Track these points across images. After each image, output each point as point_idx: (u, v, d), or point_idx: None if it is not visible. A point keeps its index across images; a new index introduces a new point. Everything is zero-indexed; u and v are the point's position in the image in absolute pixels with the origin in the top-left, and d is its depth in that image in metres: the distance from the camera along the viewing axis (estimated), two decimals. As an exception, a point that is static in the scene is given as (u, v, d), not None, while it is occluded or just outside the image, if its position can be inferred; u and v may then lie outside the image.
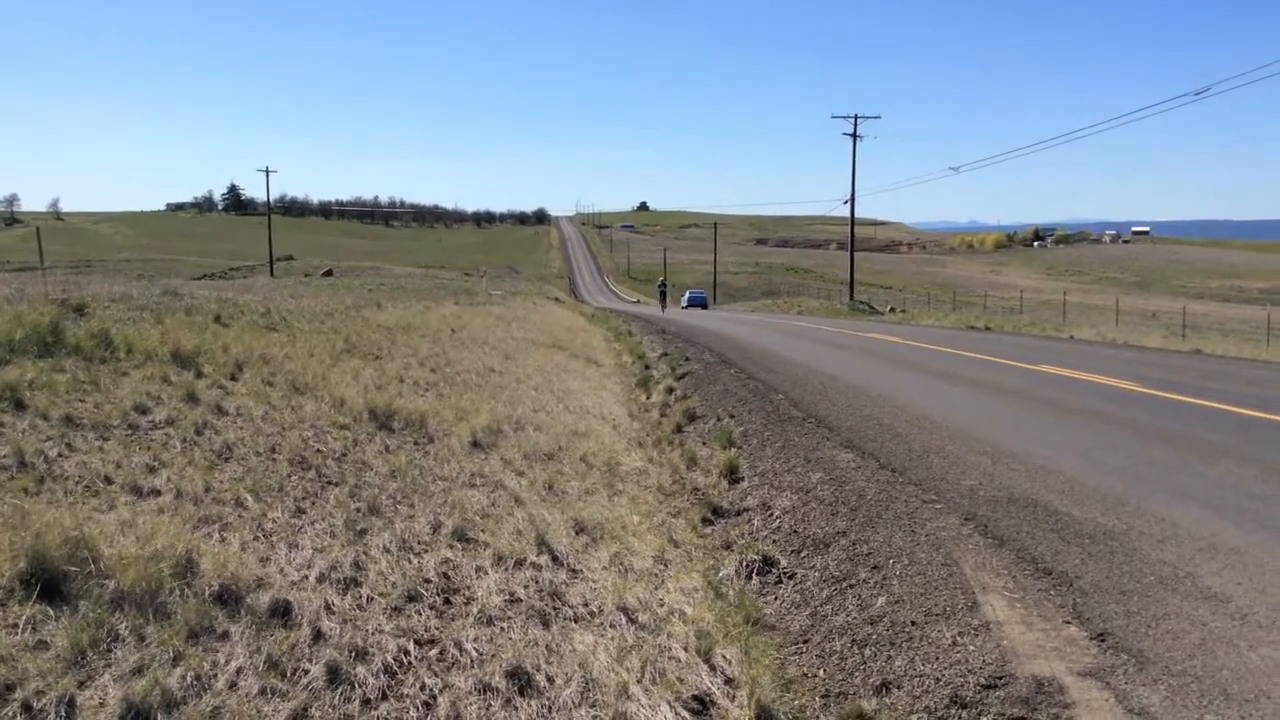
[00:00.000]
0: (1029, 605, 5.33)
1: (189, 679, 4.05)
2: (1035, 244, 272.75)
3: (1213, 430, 10.35)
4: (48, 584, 4.54)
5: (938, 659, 4.85)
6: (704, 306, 73.77)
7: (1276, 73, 29.89)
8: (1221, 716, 3.97)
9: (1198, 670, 4.39)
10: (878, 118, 61.32)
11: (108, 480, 6.36)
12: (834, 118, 60.53)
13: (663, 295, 65.89)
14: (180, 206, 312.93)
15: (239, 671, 4.15)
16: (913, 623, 5.34)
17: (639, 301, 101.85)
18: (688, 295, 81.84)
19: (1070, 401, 12.97)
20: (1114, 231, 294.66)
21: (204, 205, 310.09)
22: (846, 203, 61.83)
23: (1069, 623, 5.06)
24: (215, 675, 4.11)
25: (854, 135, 59.74)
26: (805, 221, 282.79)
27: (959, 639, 5.00)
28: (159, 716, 3.80)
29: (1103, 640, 4.80)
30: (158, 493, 6.27)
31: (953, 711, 4.35)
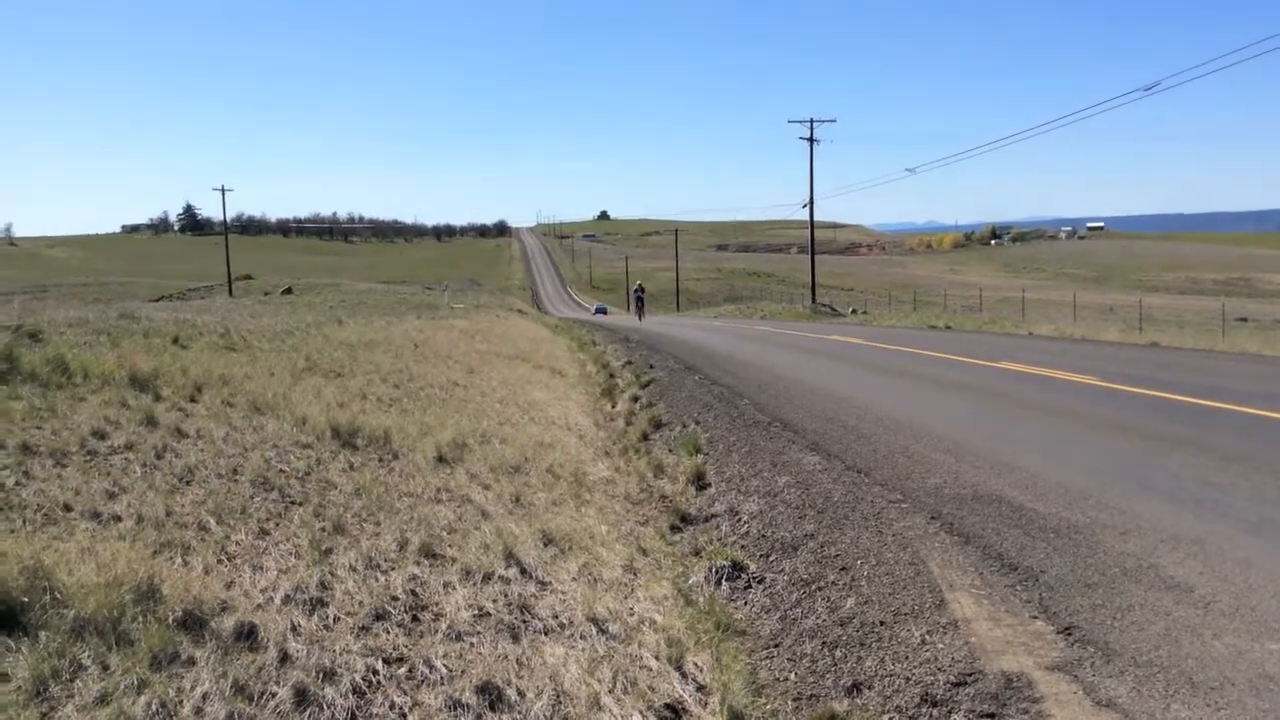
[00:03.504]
0: (996, 601, 5.37)
1: (154, 706, 3.98)
2: (992, 242, 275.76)
3: (1171, 421, 10.48)
4: (6, 615, 4.45)
5: (907, 658, 4.87)
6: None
7: (1223, 68, 30.45)
8: (1188, 705, 4.02)
9: (1163, 660, 4.44)
10: (833, 121, 61.78)
11: (67, 507, 6.25)
12: (790, 122, 60.90)
13: (639, 303, 56.23)
14: (135, 228, 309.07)
15: (205, 697, 4.09)
16: (882, 623, 5.36)
17: (605, 311, 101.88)
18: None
19: (1031, 397, 13.10)
20: (1070, 228, 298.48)
21: (160, 226, 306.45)
22: (806, 206, 62.14)
23: (1036, 617, 5.10)
24: (181, 702, 4.05)
25: (811, 139, 60.06)
26: (766, 226, 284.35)
27: (928, 637, 5.03)
28: (124, 746, 3.74)
29: (1069, 634, 4.84)
30: (118, 518, 6.17)
31: (924, 710, 4.37)
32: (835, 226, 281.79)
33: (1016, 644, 4.80)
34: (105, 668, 4.21)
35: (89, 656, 4.27)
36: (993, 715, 4.19)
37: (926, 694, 4.48)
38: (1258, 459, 8.35)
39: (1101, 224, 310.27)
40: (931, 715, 4.32)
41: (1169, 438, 9.51)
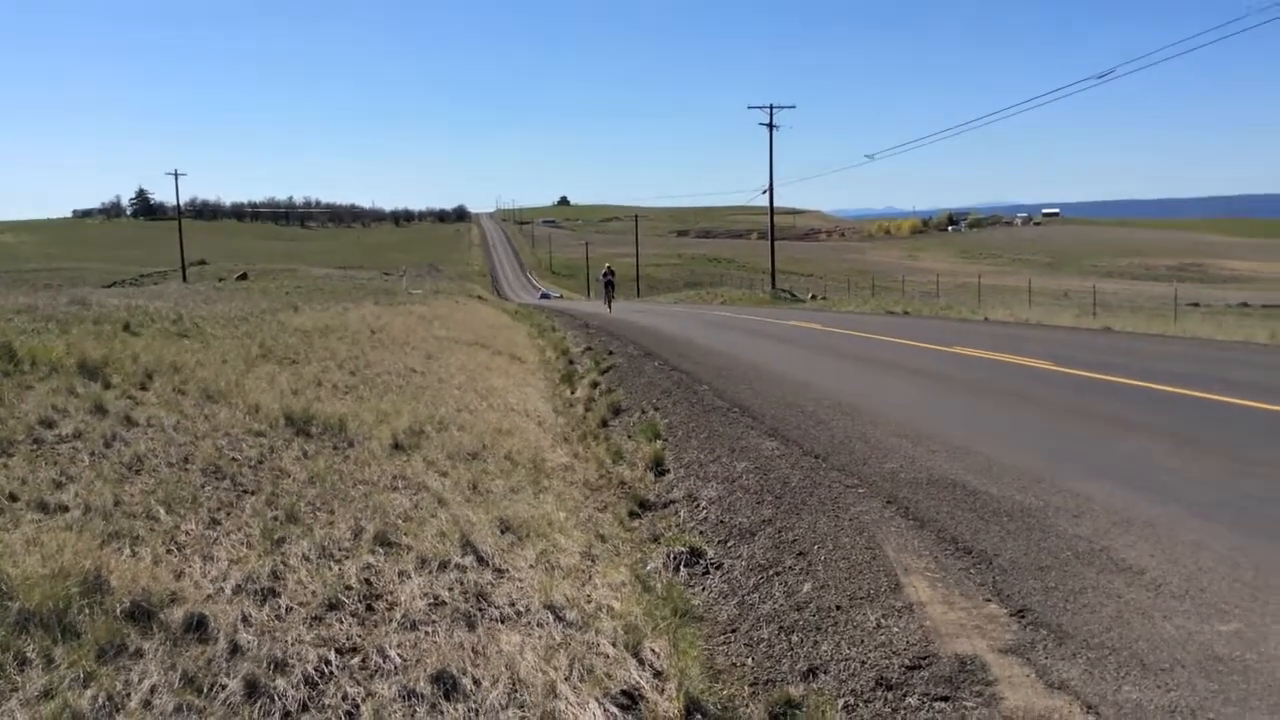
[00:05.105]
0: (950, 585, 5.40)
1: (101, 700, 3.90)
2: (950, 228, 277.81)
3: (1124, 406, 10.61)
4: (-52, 608, 4.35)
5: (863, 642, 4.89)
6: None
7: (1175, 56, 30.79)
8: (1139, 687, 4.06)
9: (1115, 642, 4.48)
10: (793, 107, 61.90)
11: (12, 497, 6.12)
12: (750, 108, 60.78)
13: (609, 288, 48.94)
14: (87, 213, 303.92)
15: (153, 690, 4.02)
16: (838, 607, 5.37)
17: (562, 296, 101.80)
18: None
19: (986, 382, 13.21)
20: (1025, 214, 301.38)
21: (112, 211, 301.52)
22: (765, 192, 62.26)
23: (989, 600, 5.13)
24: (128, 695, 3.98)
25: (770, 125, 60.14)
26: (726, 212, 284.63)
27: (883, 621, 5.05)
28: (69, 741, 3.67)
29: (1022, 616, 4.88)
30: (65, 508, 6.05)
31: (879, 693, 4.39)
32: (794, 212, 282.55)
33: (970, 627, 4.83)
34: (50, 661, 4.12)
35: (34, 649, 4.18)
36: (947, 698, 4.21)
37: (881, 678, 4.49)
38: (1209, 442, 8.47)
39: (1057, 210, 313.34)
40: (886, 699, 4.33)
41: (1122, 421, 9.62)
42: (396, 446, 8.88)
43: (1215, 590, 5.03)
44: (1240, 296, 67.26)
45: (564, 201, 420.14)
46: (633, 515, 8.11)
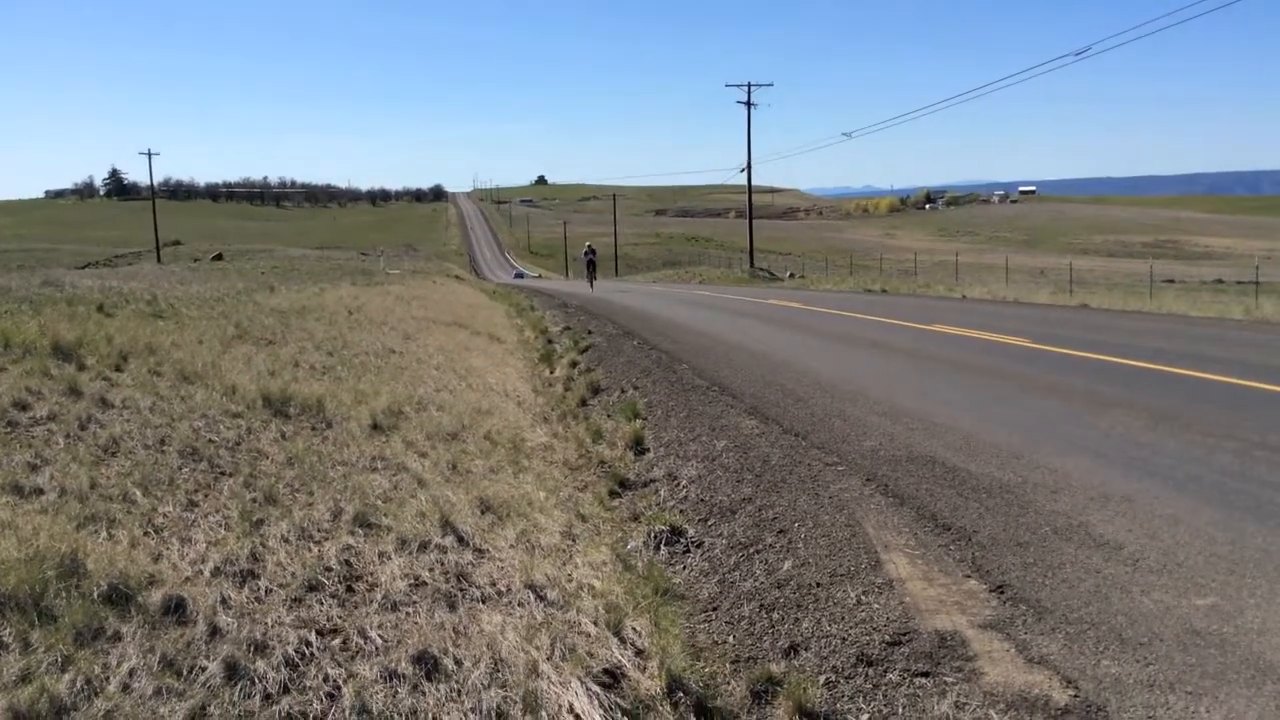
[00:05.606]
0: (930, 561, 5.43)
1: (79, 683, 3.87)
2: (927, 207, 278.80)
3: (1102, 382, 10.67)
4: (-78, 593, 4.30)
5: (843, 619, 4.91)
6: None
7: (1152, 33, 30.83)
8: (1117, 661, 4.09)
9: (1093, 617, 4.51)
10: (770, 85, 61.64)
11: (-14, 481, 6.06)
12: (728, 86, 60.68)
13: (590, 267, 48.74)
14: (60, 194, 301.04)
15: (132, 673, 3.99)
16: (818, 584, 5.39)
17: (540, 275, 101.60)
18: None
19: (964, 359, 13.25)
20: (1002, 192, 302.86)
21: (85, 191, 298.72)
22: (743, 171, 62.17)
23: (969, 576, 5.16)
24: (107, 678, 3.95)
25: (748, 103, 60.00)
26: (704, 191, 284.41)
27: (863, 598, 5.07)
28: (48, 725, 3.64)
29: (1002, 592, 4.91)
30: (40, 491, 5.99)
31: (860, 670, 4.41)
32: (773, 191, 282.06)
33: (950, 603, 4.85)
34: (27, 645, 4.09)
35: (10, 634, 4.14)
36: (927, 674, 4.23)
37: (862, 654, 4.51)
38: (1185, 418, 8.52)
39: (1033, 188, 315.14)
40: (868, 675, 4.35)
41: (1099, 398, 9.68)
42: (375, 427, 8.84)
43: (1192, 565, 5.07)
44: (1215, 273, 67.79)
45: (541, 181, 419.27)
46: (613, 494, 8.11)
